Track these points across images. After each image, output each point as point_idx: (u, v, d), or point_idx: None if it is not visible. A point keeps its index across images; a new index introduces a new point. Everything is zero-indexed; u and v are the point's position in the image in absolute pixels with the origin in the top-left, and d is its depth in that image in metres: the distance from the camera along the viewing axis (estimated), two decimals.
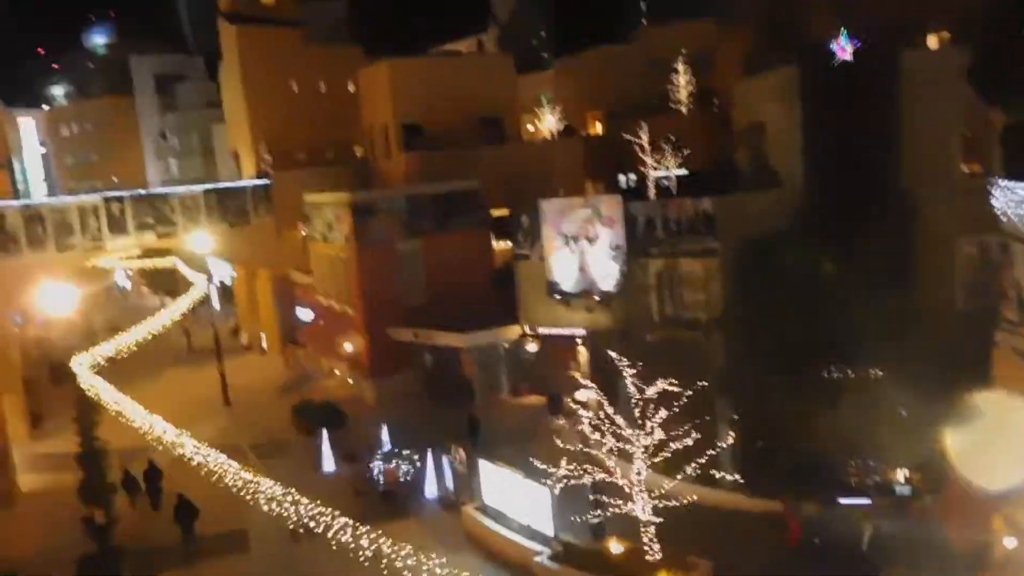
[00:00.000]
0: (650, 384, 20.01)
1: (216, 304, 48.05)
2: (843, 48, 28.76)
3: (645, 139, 34.71)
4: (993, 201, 15.46)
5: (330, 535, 18.72)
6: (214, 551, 23.78)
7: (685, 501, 19.55)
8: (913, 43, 35.88)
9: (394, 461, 26.55)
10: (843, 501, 21.74)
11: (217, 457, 21.40)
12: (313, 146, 49.46)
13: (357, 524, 18.79)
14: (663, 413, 19.80)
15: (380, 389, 35.36)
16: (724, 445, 21.30)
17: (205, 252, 39.69)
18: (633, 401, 20.33)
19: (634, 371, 20.70)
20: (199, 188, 42.79)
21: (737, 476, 21.15)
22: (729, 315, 29.17)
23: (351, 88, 50.37)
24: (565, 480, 19.83)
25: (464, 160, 41.03)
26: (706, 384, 21.05)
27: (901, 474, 22.14)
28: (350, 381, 37.71)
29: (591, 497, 21.09)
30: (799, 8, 40.62)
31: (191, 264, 47.31)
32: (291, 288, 44.39)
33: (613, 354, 22.65)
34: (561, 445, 24.12)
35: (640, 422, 20.16)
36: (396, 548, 17.04)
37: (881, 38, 32.07)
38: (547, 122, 49.95)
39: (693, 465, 19.88)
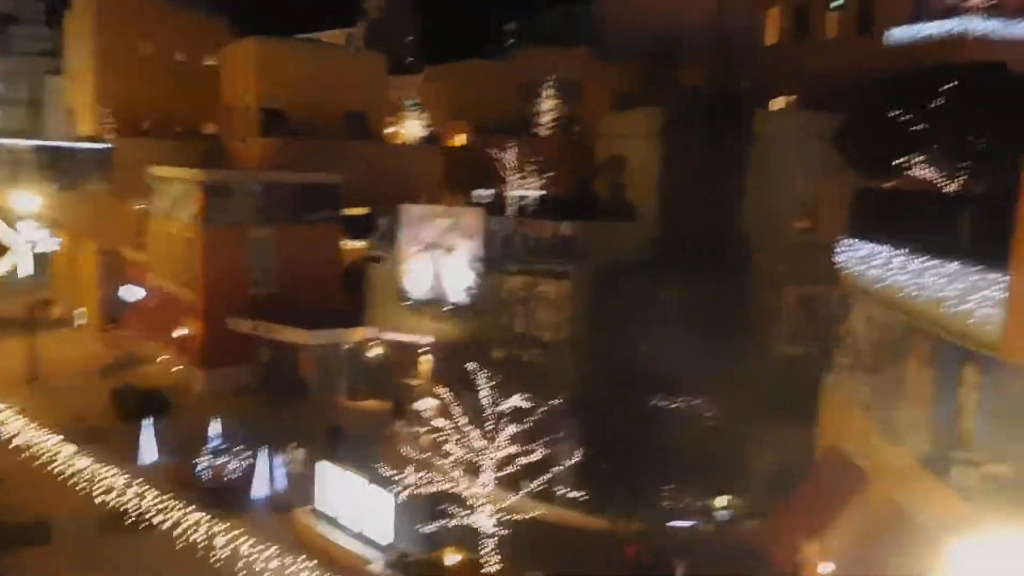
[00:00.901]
0: (495, 399, 20.14)
1: (30, 270, 44.16)
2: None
3: (511, 157, 35.11)
4: (837, 257, 16.75)
5: (145, 528, 17.44)
6: (12, 542, 21.66)
7: (527, 516, 19.81)
8: (766, 104, 38.80)
9: (223, 456, 25.27)
10: (671, 524, 22.67)
11: (20, 436, 19.52)
12: (162, 116, 46.70)
13: (178, 518, 17.66)
14: (511, 428, 20.01)
15: (211, 380, 33.66)
16: (567, 463, 21.68)
17: (29, 214, 36.45)
18: (483, 414, 20.42)
19: (484, 385, 20.74)
20: (29, 143, 39.31)
21: (579, 494, 21.58)
22: (577, 338, 30.02)
23: (211, 62, 48.02)
24: (412, 488, 19.57)
25: (325, 152, 40.07)
26: (554, 403, 21.37)
27: (722, 500, 23.38)
28: (178, 368, 35.63)
29: (433, 507, 20.90)
30: (671, 56, 42.78)
31: (8, 224, 43.29)
32: (120, 263, 41.51)
33: (468, 366, 22.68)
34: (405, 452, 24.00)
35: (490, 436, 20.28)
36: (217, 544, 16.12)
37: (742, 94, 34.35)
38: (411, 127, 49.67)
39: (537, 481, 20.19)
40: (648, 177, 31.30)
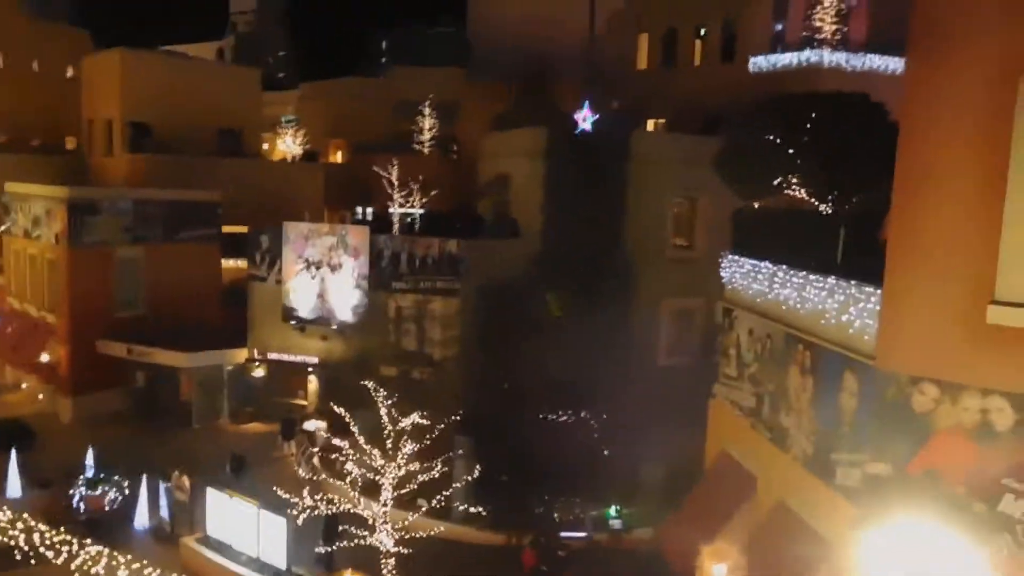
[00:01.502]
0: (387, 417, 20.13)
1: None
2: (583, 119, 31.34)
3: (394, 174, 35.14)
4: (721, 271, 17.80)
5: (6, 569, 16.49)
6: None
7: (425, 534, 19.89)
8: (640, 126, 40.53)
9: (99, 487, 24.04)
10: (563, 534, 23.20)
11: None
12: (17, 129, 43.99)
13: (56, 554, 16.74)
14: (406, 446, 20.05)
15: (79, 407, 31.92)
16: (463, 480, 21.89)
17: None
18: (376, 433, 20.35)
19: (375, 404, 20.68)
20: None
21: (477, 509, 21.79)
22: (466, 354, 30.32)
23: (70, 73, 45.69)
24: (306, 510, 19.27)
25: (197, 169, 38.89)
26: (447, 420, 21.57)
27: (613, 509, 24.14)
28: (41, 396, 33.57)
29: (329, 528, 20.64)
30: (552, 78, 44.01)
31: None
32: None
33: (358, 385, 22.59)
34: (296, 474, 23.60)
35: (386, 454, 20.23)
36: None
37: (617, 117, 35.78)
38: (287, 144, 48.83)
39: (435, 499, 20.32)
40: (531, 195, 32.01)
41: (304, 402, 32.65)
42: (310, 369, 32.16)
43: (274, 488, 20.36)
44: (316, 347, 31.86)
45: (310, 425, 29.98)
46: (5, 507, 23.17)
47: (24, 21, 44.78)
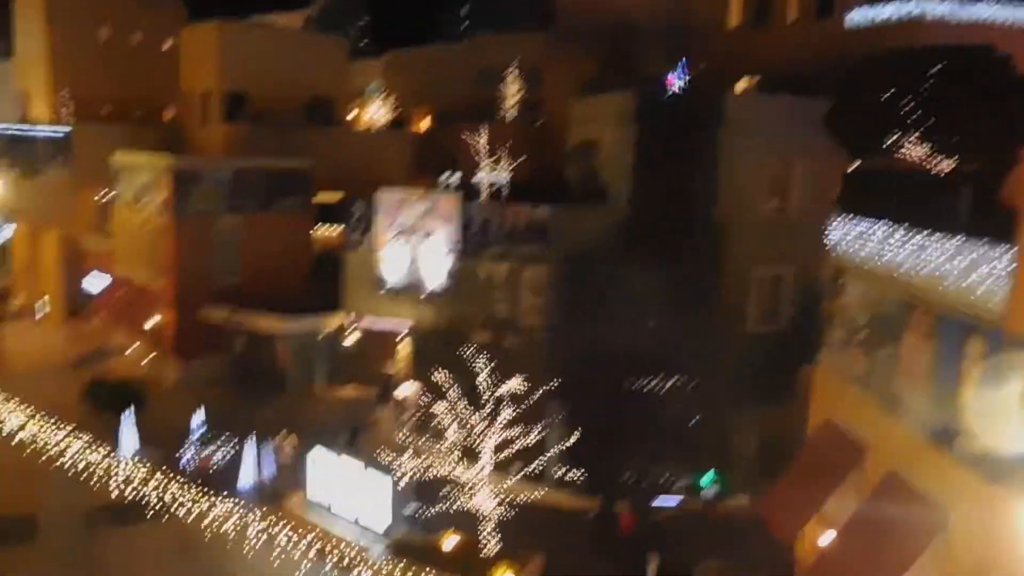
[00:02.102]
0: (480, 384, 20.30)
1: None
2: (674, 81, 30.67)
3: (476, 142, 35.12)
4: (830, 234, 17.26)
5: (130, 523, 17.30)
6: None
7: (522, 498, 20.12)
8: (729, 87, 39.43)
9: (208, 446, 25.06)
10: (657, 501, 23.19)
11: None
12: (120, 101, 45.53)
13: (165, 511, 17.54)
14: (500, 412, 20.25)
15: (183, 371, 33.21)
16: (557, 446, 21.95)
17: None
18: (470, 399, 20.59)
19: (467, 370, 20.88)
20: None
21: (573, 475, 21.86)
22: (555, 321, 30.33)
23: (168, 45, 46.98)
24: (410, 472, 19.70)
25: (288, 139, 39.64)
26: (547, 388, 21.63)
27: (706, 476, 23.98)
28: (147, 360, 35.05)
29: (429, 491, 21.08)
30: (637, 41, 43.11)
31: None
32: (83, 253, 40.55)
33: (449, 352, 22.86)
34: (393, 438, 24.15)
35: (482, 420, 20.49)
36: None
37: (707, 77, 34.88)
38: (375, 112, 49.30)
39: (532, 464, 20.51)
40: (620, 161, 31.55)
41: (395, 368, 33.21)
42: (402, 336, 32.64)
43: (379, 449, 20.79)
44: (408, 314, 32.27)
45: (403, 390, 30.56)
46: (134, 461, 24.32)
47: None
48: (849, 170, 17.24)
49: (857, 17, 35.93)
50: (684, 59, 31.80)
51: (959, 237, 12.64)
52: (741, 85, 41.44)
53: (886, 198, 15.54)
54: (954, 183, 14.59)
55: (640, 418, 25.48)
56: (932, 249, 13.23)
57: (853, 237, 16.03)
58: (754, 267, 31.41)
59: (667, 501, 23.51)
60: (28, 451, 25.84)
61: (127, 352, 36.27)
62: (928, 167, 15.06)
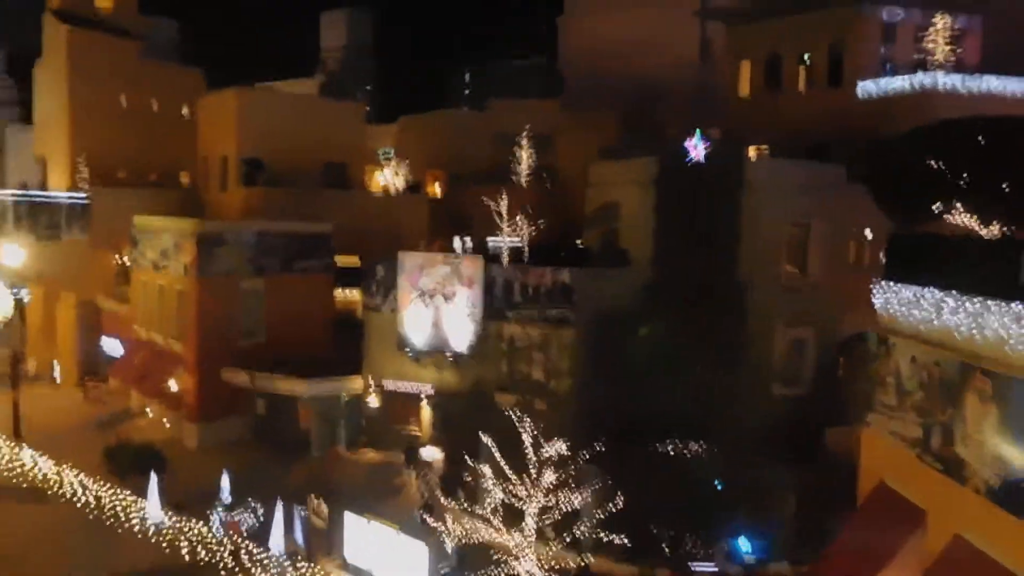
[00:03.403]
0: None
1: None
2: (695, 147, 31.25)
3: (503, 206, 35.58)
4: (874, 300, 17.47)
5: None
6: None
7: (561, 565, 19.85)
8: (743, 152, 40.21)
9: (236, 511, 24.75)
10: (695, 567, 22.91)
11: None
12: (136, 166, 46.17)
13: None
14: (541, 476, 20.12)
15: (204, 433, 33.00)
16: (596, 511, 21.65)
17: (15, 267, 35.46)
18: (509, 463, 20.44)
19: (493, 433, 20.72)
20: (7, 194, 38.45)
21: (613, 538, 21.51)
22: (579, 383, 30.33)
23: (185, 112, 47.84)
24: (449, 537, 19.48)
25: (306, 202, 40.12)
26: (588, 450, 21.50)
27: (744, 540, 23.71)
28: (167, 422, 34.80)
29: (466, 555, 20.84)
30: (658, 109, 44.13)
31: None
32: (99, 316, 40.58)
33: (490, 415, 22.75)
34: (422, 501, 23.89)
35: (518, 484, 20.34)
36: None
37: (726, 144, 35.55)
38: (389, 176, 49.96)
39: (576, 529, 20.31)
40: (641, 224, 31.93)
41: (417, 430, 33.02)
42: (424, 398, 32.54)
43: (417, 514, 20.59)
44: (430, 376, 32.27)
45: (427, 453, 30.35)
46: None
47: (143, 65, 47.11)
48: (894, 234, 17.53)
49: (870, 86, 36.95)
50: (701, 126, 32.41)
51: (1019, 303, 12.84)
52: (752, 152, 42.34)
53: (935, 263, 15.82)
54: (1003, 248, 14.86)
55: (673, 481, 25.32)
56: (991, 313, 13.42)
57: (901, 300, 16.25)
58: (776, 329, 31.68)
59: (705, 566, 23.20)
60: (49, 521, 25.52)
61: (147, 414, 36.01)
62: (976, 233, 15.36)
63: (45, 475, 26.79)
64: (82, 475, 26.80)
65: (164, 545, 23.95)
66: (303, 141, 43.08)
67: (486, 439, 20.35)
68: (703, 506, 25.17)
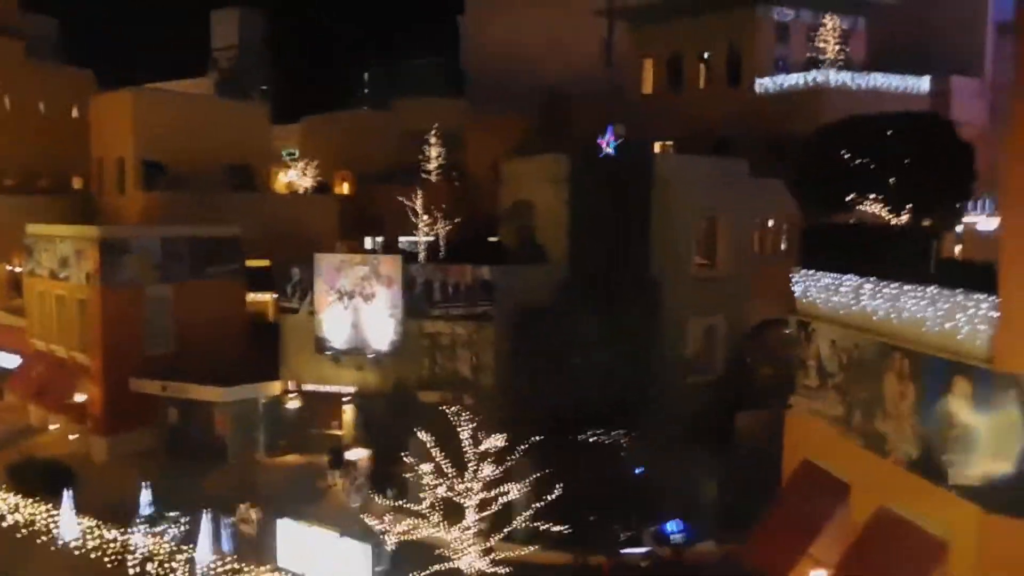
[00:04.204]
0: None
1: None
2: (607, 143, 32.01)
3: (418, 203, 35.52)
4: (794, 287, 18.42)
5: None
6: None
7: (512, 555, 20.10)
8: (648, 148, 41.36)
9: (159, 525, 23.98)
10: (625, 551, 23.56)
11: None
12: (25, 171, 43.81)
13: None
14: (487, 471, 20.33)
15: (114, 446, 31.71)
16: (547, 499, 21.91)
17: None
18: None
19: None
20: None
21: (565, 529, 21.76)
22: (501, 378, 30.67)
23: (75, 113, 45.70)
24: (390, 536, 19.46)
25: (210, 205, 39.03)
26: (526, 443, 21.80)
27: (673, 524, 24.50)
28: (72, 436, 33.25)
29: (405, 554, 20.83)
30: (564, 107, 44.78)
31: None
32: None
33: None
34: (352, 503, 23.71)
35: (453, 479, 20.48)
36: None
37: (636, 141, 36.52)
38: (292, 176, 49.12)
39: (517, 521, 20.60)
40: (556, 220, 32.51)
41: (339, 432, 32.67)
42: (346, 399, 32.22)
43: (361, 516, 20.47)
44: (351, 377, 32.00)
45: (352, 454, 30.10)
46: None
47: (29, 65, 44.75)
48: (809, 226, 18.51)
49: (767, 83, 38.63)
50: (611, 122, 33.22)
51: (935, 286, 13.83)
52: (657, 147, 43.64)
53: (849, 251, 16.83)
54: (912, 235, 15.93)
55: (599, 469, 25.93)
56: (907, 298, 14.41)
57: (819, 287, 17.20)
58: (689, 319, 32.82)
59: (636, 551, 23.88)
60: None
61: (48, 429, 34.32)
62: (885, 222, 16.39)
63: None
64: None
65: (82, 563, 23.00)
66: (205, 142, 41.80)
67: (422, 436, 20.24)
68: (629, 493, 25.92)
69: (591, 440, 28.18)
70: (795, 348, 18.71)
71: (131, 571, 22.67)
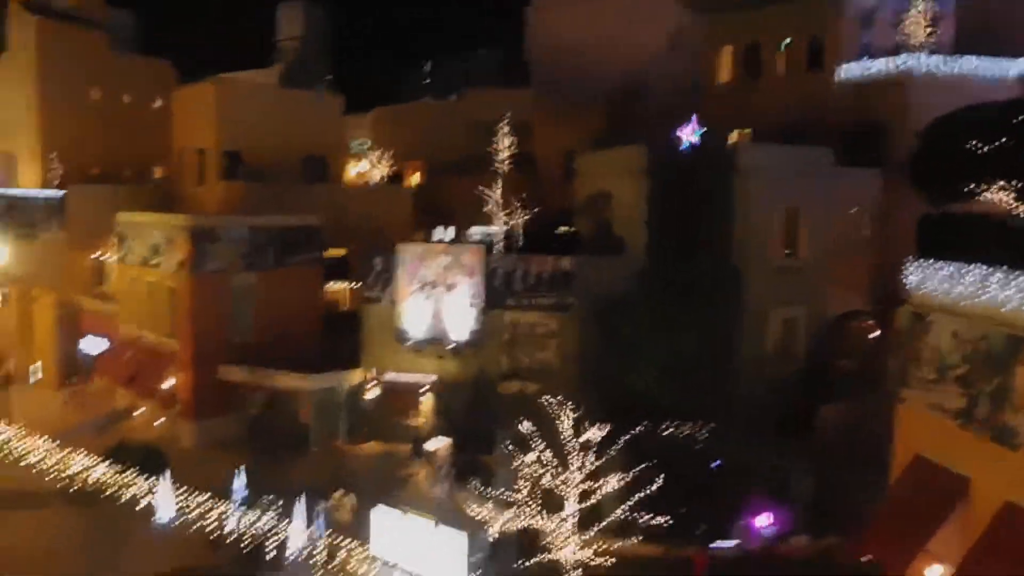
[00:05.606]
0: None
1: None
2: (689, 134, 31.64)
3: (497, 194, 35.55)
4: (908, 277, 17.92)
5: None
6: None
7: (611, 548, 20.02)
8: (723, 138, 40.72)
9: (254, 509, 24.39)
10: (715, 545, 23.31)
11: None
12: (109, 161, 44.93)
13: None
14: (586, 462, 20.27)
15: (200, 432, 32.38)
16: (647, 491, 21.80)
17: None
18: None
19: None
20: None
21: (665, 522, 21.62)
22: (581, 368, 30.56)
23: (157, 104, 46.70)
24: (495, 526, 19.51)
25: (287, 196, 39.60)
26: (629, 435, 21.67)
27: (763, 519, 24.17)
28: (159, 422, 34.04)
29: (506, 544, 20.88)
30: (637, 97, 44.36)
31: None
32: (77, 315, 39.46)
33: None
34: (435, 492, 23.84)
35: (552, 470, 20.46)
36: None
37: (716, 131, 35.98)
38: (363, 168, 49.55)
39: (615, 514, 20.51)
40: (634, 211, 32.25)
41: (418, 421, 32.90)
42: (425, 389, 32.42)
43: (448, 506, 20.58)
44: (432, 366, 32.20)
45: (433, 444, 30.25)
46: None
47: (112, 57, 45.83)
48: (924, 214, 17.99)
49: (852, 69, 37.71)
50: (681, 113, 32.80)
51: None
52: (734, 137, 42.95)
53: (972, 242, 16.31)
54: None
55: (685, 462, 25.68)
56: None
57: (940, 278, 16.70)
58: (771, 311, 32.32)
59: (725, 544, 23.62)
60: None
61: (136, 415, 35.18)
62: (1012, 211, 15.85)
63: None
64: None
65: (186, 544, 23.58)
66: (280, 133, 42.46)
67: (525, 426, 20.26)
68: (716, 485, 25.62)
69: (673, 433, 27.98)
70: (909, 340, 18.19)
71: (229, 551, 23.12)
